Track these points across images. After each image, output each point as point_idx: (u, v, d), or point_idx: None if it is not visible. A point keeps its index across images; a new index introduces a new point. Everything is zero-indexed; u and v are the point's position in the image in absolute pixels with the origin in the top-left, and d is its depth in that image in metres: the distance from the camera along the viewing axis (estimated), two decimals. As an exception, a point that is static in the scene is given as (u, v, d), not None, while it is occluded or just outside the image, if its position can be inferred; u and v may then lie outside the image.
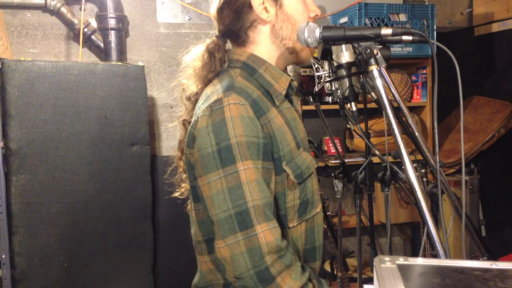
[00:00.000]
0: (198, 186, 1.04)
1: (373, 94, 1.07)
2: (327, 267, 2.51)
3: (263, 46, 1.15)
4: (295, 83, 1.20)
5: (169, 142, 2.90)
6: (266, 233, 0.97)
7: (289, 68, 1.94)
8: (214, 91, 1.06)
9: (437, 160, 1.07)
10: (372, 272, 1.00)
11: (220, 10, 1.14)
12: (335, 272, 2.36)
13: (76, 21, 2.62)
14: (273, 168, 1.04)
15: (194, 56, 1.18)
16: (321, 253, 1.20)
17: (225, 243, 0.98)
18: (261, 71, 1.12)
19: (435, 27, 2.76)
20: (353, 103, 1.07)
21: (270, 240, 0.97)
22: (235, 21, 1.13)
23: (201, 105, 1.05)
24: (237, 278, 0.99)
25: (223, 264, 1.01)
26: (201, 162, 1.01)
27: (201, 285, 1.16)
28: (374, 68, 1.00)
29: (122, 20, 2.67)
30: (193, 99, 1.17)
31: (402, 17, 2.71)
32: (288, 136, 1.08)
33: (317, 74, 2.04)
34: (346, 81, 1.06)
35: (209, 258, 1.12)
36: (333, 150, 2.99)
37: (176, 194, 1.28)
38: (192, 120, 1.07)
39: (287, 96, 1.16)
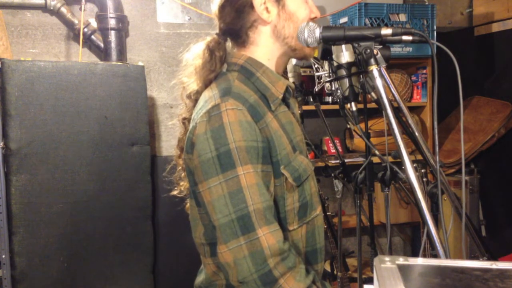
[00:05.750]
0: (199, 192, 1.04)
1: (373, 94, 1.07)
2: (327, 267, 2.50)
3: (264, 47, 1.14)
4: (292, 86, 1.19)
5: (169, 142, 2.90)
6: (268, 236, 0.97)
7: (289, 68, 1.93)
8: (212, 96, 1.06)
9: (437, 160, 1.08)
10: (372, 272, 1.00)
11: (222, 8, 1.13)
12: (335, 272, 2.36)
13: (76, 21, 2.62)
14: (272, 171, 1.04)
15: (195, 54, 1.18)
16: (323, 255, 1.19)
17: (228, 248, 0.98)
18: (258, 74, 1.12)
19: (435, 27, 2.76)
20: (353, 103, 1.07)
21: (272, 243, 0.97)
22: (236, 20, 1.13)
23: (199, 111, 1.05)
24: (240, 282, 0.98)
25: (226, 269, 1.01)
26: (201, 168, 1.01)
27: (204, 285, 1.16)
28: (374, 68, 1.00)
29: (122, 20, 2.67)
30: (194, 98, 1.17)
31: (402, 17, 2.71)
32: (284, 140, 1.08)
33: (317, 74, 2.03)
34: (346, 81, 1.06)
35: (211, 261, 1.12)
36: (333, 150, 2.99)
37: (175, 192, 1.28)
38: (190, 126, 1.07)
39: (284, 100, 1.16)
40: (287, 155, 1.07)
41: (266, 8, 1.10)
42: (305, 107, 2.57)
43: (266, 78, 1.12)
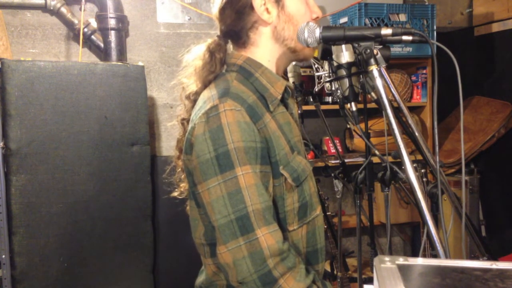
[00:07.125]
0: (198, 193, 1.04)
1: (373, 94, 1.07)
2: (327, 267, 2.50)
3: (264, 47, 1.15)
4: (291, 86, 1.20)
5: (169, 142, 2.90)
6: (267, 236, 0.97)
7: (289, 68, 1.93)
8: (210, 96, 1.06)
9: (437, 160, 1.08)
10: (372, 272, 1.00)
11: (222, 10, 1.14)
12: (335, 272, 2.36)
13: (76, 21, 2.62)
14: (271, 171, 1.04)
15: (195, 55, 1.18)
16: (324, 255, 1.19)
17: (227, 248, 0.98)
18: (257, 75, 1.12)
19: (435, 27, 2.76)
20: (353, 103, 1.07)
21: (272, 243, 0.97)
22: (236, 22, 1.13)
23: (198, 112, 1.05)
24: (240, 283, 0.98)
25: (225, 269, 1.01)
26: (199, 169, 1.01)
27: (205, 286, 1.16)
28: (374, 68, 1.00)
29: (122, 20, 2.67)
30: (192, 98, 1.17)
31: (402, 17, 2.71)
32: (282, 141, 1.08)
33: (317, 74, 2.04)
34: (346, 81, 1.06)
35: (211, 261, 1.12)
36: (333, 150, 2.99)
37: (175, 194, 1.28)
38: (189, 127, 1.07)
39: (283, 100, 1.16)
40: (285, 156, 1.07)
41: (267, 9, 1.11)
42: (305, 107, 2.57)
43: (265, 78, 1.12)
